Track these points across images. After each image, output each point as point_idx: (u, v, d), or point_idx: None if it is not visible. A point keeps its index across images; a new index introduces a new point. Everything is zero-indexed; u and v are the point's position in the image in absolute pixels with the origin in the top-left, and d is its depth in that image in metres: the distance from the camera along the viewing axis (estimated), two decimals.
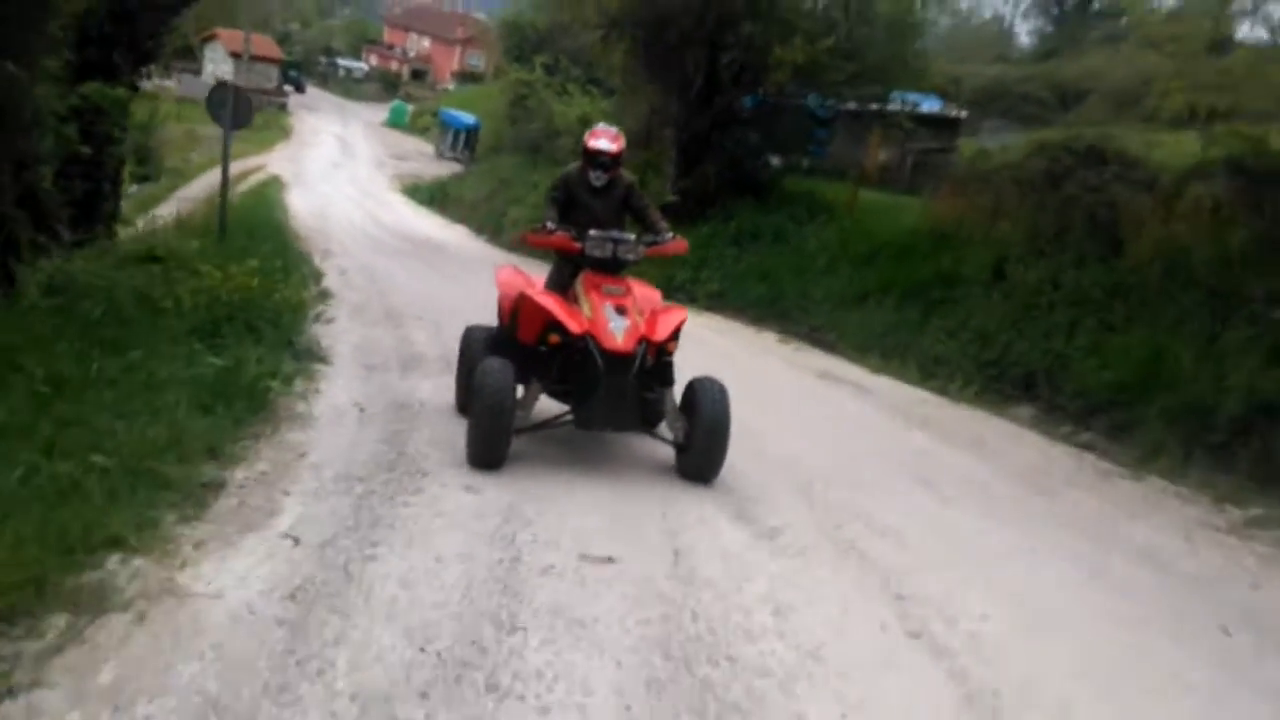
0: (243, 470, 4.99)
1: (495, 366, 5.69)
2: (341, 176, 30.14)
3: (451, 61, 62.12)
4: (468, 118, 38.49)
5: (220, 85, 13.27)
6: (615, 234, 6.14)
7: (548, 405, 6.02)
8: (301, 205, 21.95)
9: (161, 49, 12.67)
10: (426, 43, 64.82)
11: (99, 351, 6.00)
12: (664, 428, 6.10)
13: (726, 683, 3.53)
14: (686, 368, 6.18)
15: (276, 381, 6.33)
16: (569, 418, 5.96)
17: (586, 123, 24.37)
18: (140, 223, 13.17)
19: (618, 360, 5.72)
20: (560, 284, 6.31)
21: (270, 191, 23.26)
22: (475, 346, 6.62)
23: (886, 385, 10.14)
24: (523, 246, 20.73)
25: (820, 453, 6.96)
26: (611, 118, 23.16)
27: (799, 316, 13.03)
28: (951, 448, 7.75)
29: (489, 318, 7.35)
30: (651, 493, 5.56)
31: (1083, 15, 36.49)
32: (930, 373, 10.51)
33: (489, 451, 5.62)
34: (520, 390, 5.86)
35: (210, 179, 25.30)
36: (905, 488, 6.41)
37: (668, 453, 6.07)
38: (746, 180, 17.57)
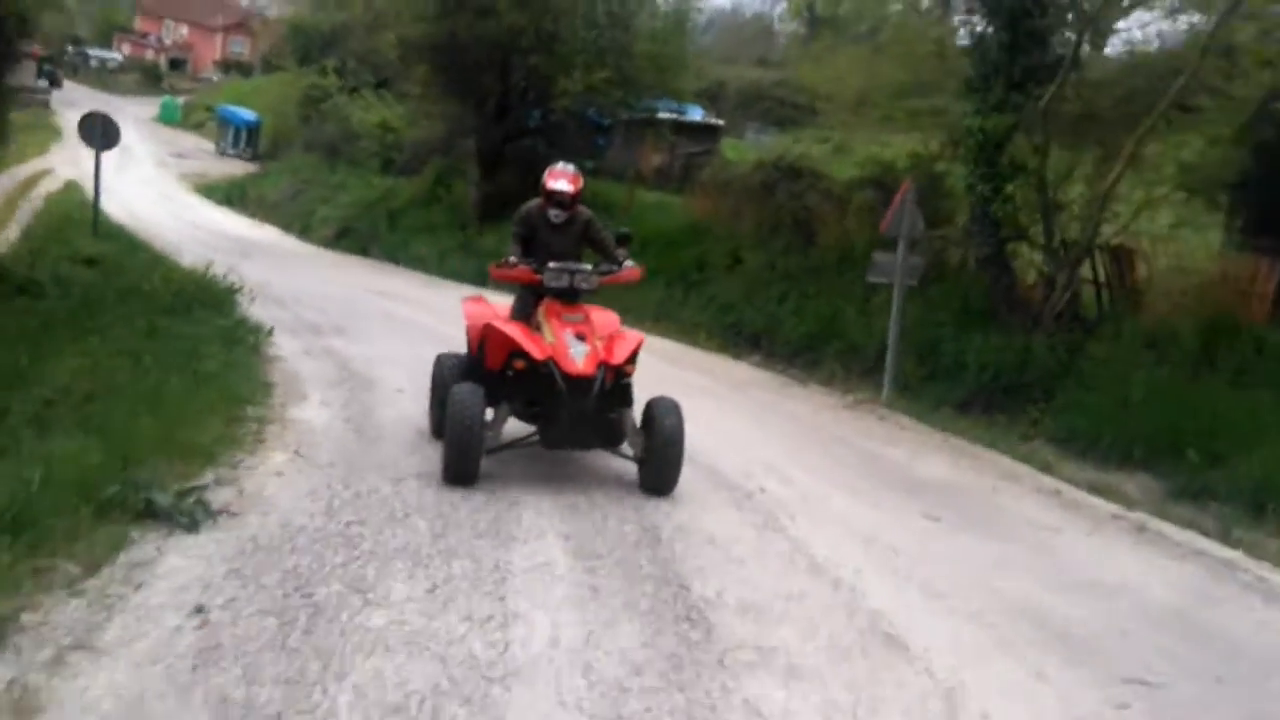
0: (271, 379, 9.41)
1: (466, 391, 6.74)
2: (131, 178, 32.79)
3: (213, 49, 64.09)
4: (248, 114, 41.58)
5: (90, 114, 17.07)
6: (572, 265, 7.20)
7: (519, 428, 7.30)
8: (111, 208, 25.04)
9: (21, 54, 16.21)
10: (184, 30, 66.34)
11: (138, 316, 10.16)
12: (626, 445, 7.26)
13: None
14: None
15: (261, 335, 10.67)
16: (536, 438, 7.11)
17: (387, 127, 28.65)
18: None
19: (579, 383, 6.72)
20: (524, 313, 7.34)
21: (77, 195, 26.19)
22: (447, 374, 7.71)
23: (654, 341, 15.11)
24: (337, 244, 24.90)
25: None
26: (410, 124, 27.48)
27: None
28: (689, 372, 12.80)
29: (345, 303, 11.47)
30: None
31: (832, 21, 43.07)
32: (688, 333, 15.65)
33: (462, 471, 6.69)
34: (490, 413, 6.94)
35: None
36: (652, 390, 11.36)
37: (630, 467, 7.31)
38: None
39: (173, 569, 4.80)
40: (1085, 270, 12.32)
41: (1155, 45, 12.98)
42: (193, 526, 5.32)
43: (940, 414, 11.03)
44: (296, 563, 5.06)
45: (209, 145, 43.26)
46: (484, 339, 7.36)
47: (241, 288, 12.25)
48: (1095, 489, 8.56)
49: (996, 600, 5.60)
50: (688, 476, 7.36)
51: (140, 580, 4.62)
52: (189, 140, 44.66)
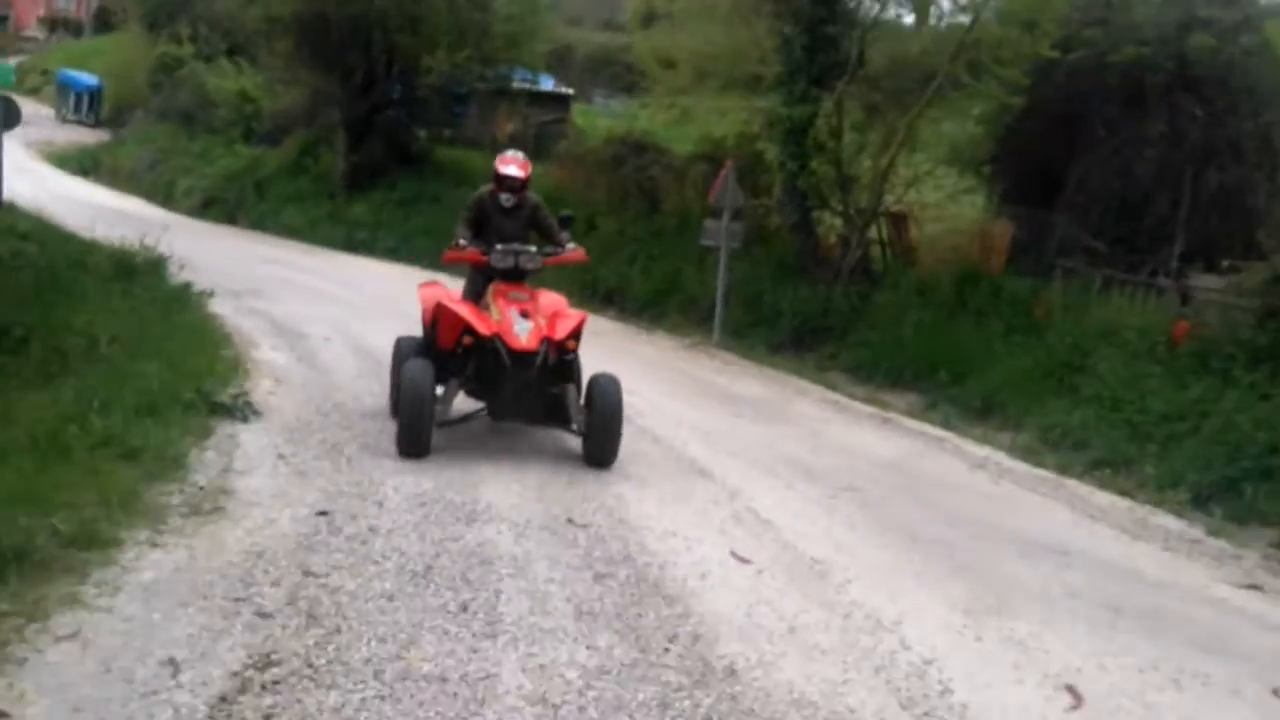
0: (225, 331, 12.25)
1: (417, 367, 7.56)
2: None
3: (37, 6, 63.62)
4: (89, 78, 42.77)
5: None
6: (517, 247, 7.93)
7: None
8: None
9: None
10: None
11: (94, 283, 12.76)
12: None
13: None
14: (382, 298, 13.81)
15: (203, 298, 13.43)
16: (485, 411, 8.07)
17: (246, 97, 30.73)
18: None
19: (522, 357, 7.52)
20: (475, 294, 8.16)
21: None
22: (404, 354, 8.43)
23: None
24: (205, 214, 27.14)
25: None
26: (269, 94, 29.60)
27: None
28: None
29: (244, 269, 14.52)
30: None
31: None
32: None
33: (413, 442, 7.52)
34: (440, 389, 7.81)
35: None
36: None
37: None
38: (405, 153, 25.26)
39: (250, 439, 7.86)
40: (873, 233, 15.99)
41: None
42: (245, 418, 8.37)
43: (759, 352, 14.59)
44: (323, 437, 8.19)
45: (48, 111, 44.15)
46: (436, 319, 8.20)
47: (170, 257, 14.88)
48: (868, 401, 12.20)
49: (771, 455, 9.14)
50: None
51: (237, 443, 7.69)
52: (27, 106, 44.65)
